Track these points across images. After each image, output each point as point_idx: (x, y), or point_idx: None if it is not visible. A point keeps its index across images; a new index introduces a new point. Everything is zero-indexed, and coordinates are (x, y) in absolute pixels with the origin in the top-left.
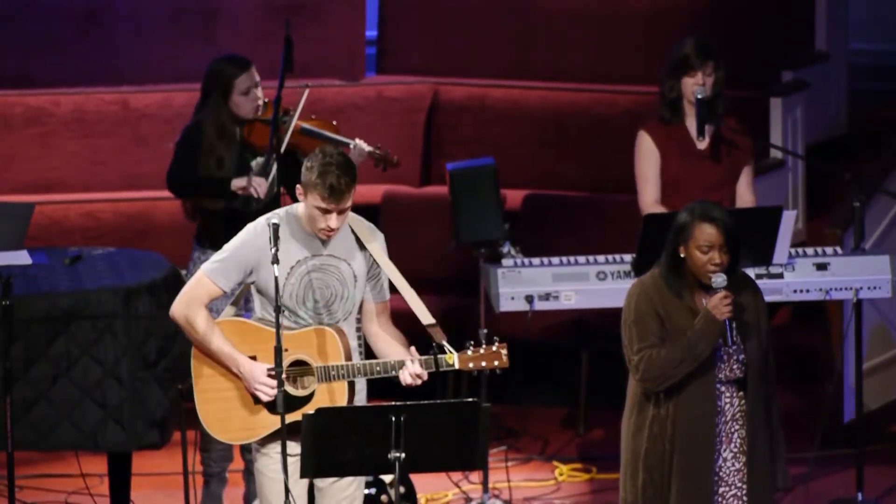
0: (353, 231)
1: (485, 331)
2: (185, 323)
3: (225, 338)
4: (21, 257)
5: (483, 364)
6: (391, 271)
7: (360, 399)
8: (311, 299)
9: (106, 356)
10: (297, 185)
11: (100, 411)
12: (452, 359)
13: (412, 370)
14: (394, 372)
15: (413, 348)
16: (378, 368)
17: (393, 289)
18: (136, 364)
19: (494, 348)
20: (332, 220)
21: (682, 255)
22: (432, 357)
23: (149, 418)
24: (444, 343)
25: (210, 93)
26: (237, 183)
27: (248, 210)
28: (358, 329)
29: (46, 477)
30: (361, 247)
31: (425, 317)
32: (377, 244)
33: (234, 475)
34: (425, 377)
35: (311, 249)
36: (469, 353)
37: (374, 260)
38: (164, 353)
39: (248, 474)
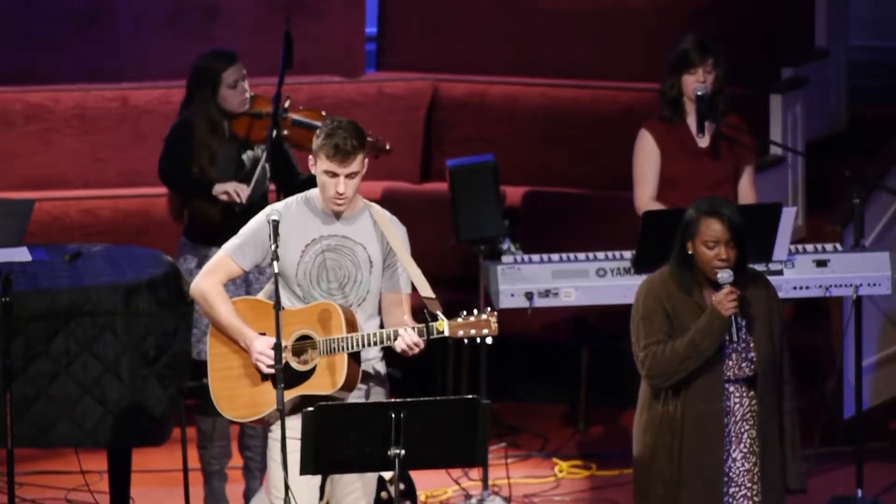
0: (372, 219)
1: (489, 308)
2: (201, 298)
3: (235, 313)
4: (21, 254)
5: (472, 332)
6: (402, 255)
7: (372, 368)
8: (325, 279)
9: (106, 353)
10: (310, 157)
11: (99, 408)
12: (442, 326)
13: (406, 338)
14: (389, 342)
15: (407, 317)
16: (375, 339)
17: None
18: (135, 361)
19: (484, 317)
20: (340, 184)
21: (689, 252)
22: (424, 325)
23: (148, 415)
24: (438, 312)
25: (197, 89)
26: (219, 188)
27: (233, 211)
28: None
29: (46, 474)
30: (380, 234)
31: (425, 290)
32: (396, 234)
33: (234, 472)
34: (422, 345)
35: (327, 229)
36: (459, 320)
37: (391, 248)
38: (163, 350)
39: (248, 471)
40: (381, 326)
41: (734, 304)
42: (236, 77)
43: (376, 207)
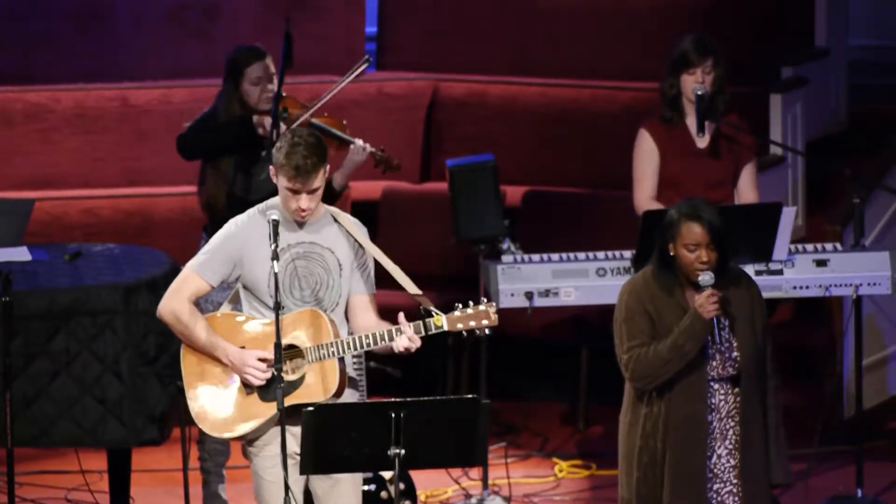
0: (336, 222)
1: (484, 299)
2: (172, 318)
3: (211, 330)
4: (21, 254)
5: (472, 323)
6: (374, 251)
7: (353, 379)
8: (297, 287)
9: (105, 352)
10: (270, 167)
11: (99, 407)
12: (441, 320)
13: (404, 338)
14: (383, 342)
15: (401, 314)
16: (368, 341)
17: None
18: (135, 360)
19: (482, 307)
20: (303, 200)
21: (671, 254)
22: (421, 322)
23: (148, 414)
24: (432, 308)
25: (225, 81)
26: (257, 119)
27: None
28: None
29: (46, 473)
30: (347, 236)
31: (411, 287)
32: (360, 234)
33: (234, 472)
34: (418, 343)
35: (295, 237)
36: (457, 313)
37: (360, 248)
38: (163, 349)
39: None
40: (350, 332)
41: (715, 306)
42: (260, 73)
43: (335, 209)
